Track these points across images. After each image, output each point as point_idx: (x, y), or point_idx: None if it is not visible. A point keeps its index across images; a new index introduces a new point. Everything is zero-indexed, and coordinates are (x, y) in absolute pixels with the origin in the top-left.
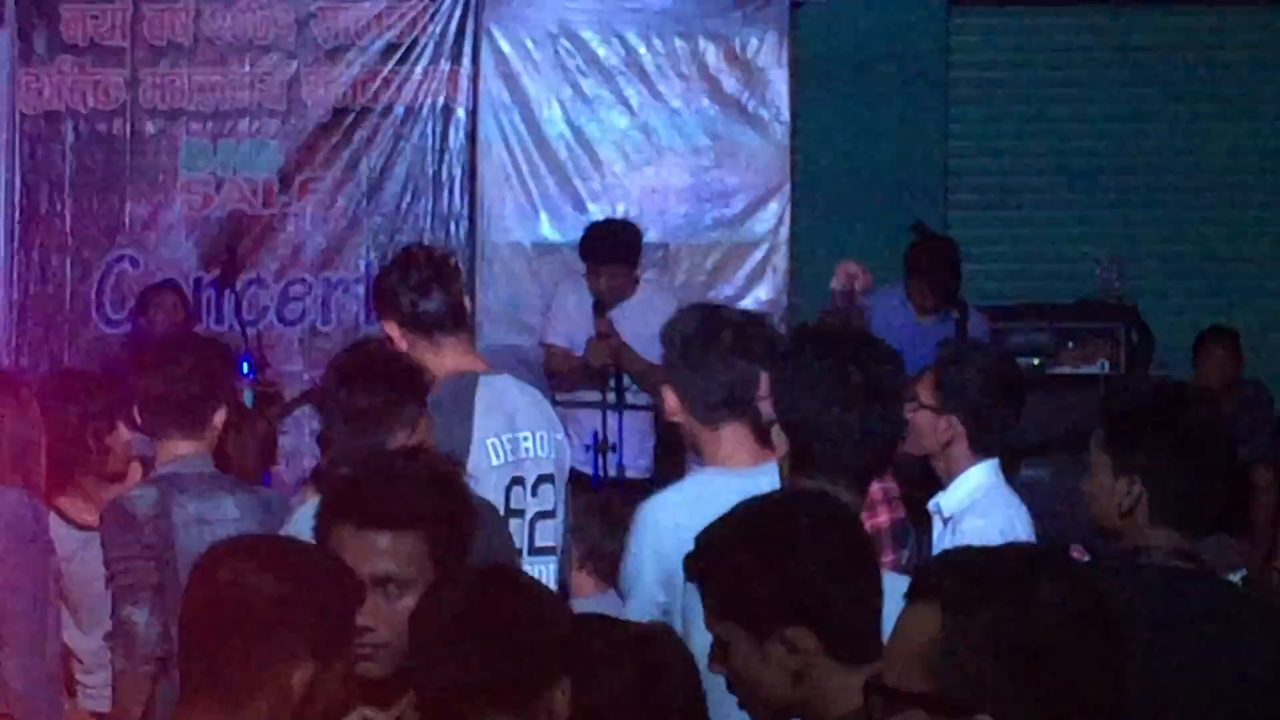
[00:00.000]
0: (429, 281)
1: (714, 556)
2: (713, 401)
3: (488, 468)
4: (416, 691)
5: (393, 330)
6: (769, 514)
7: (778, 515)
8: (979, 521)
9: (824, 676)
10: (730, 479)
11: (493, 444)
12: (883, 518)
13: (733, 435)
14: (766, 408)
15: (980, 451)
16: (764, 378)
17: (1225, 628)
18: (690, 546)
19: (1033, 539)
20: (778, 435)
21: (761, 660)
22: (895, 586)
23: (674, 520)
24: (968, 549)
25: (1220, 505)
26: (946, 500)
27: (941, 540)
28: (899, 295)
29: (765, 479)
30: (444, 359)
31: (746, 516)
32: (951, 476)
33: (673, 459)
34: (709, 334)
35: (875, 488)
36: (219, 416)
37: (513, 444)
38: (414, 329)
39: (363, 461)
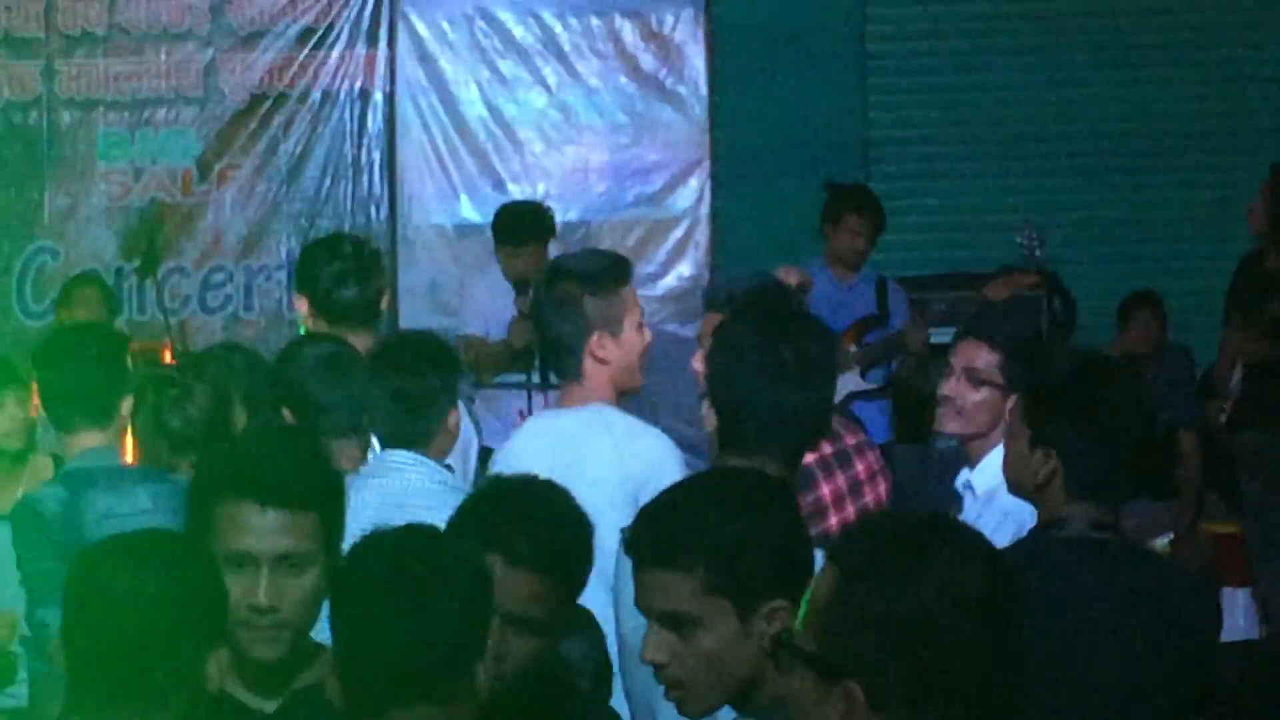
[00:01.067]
0: (348, 273)
1: (699, 533)
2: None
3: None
4: (340, 677)
5: (303, 308)
6: (743, 488)
7: (753, 489)
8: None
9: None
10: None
11: None
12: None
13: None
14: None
15: None
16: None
17: (1143, 597)
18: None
19: None
20: (706, 410)
21: (742, 636)
22: None
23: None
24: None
25: (1137, 476)
26: (980, 477)
27: (976, 517)
28: (815, 267)
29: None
30: None
31: (720, 491)
32: (981, 454)
33: None
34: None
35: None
36: (126, 405)
37: None
38: (323, 314)
39: (253, 438)
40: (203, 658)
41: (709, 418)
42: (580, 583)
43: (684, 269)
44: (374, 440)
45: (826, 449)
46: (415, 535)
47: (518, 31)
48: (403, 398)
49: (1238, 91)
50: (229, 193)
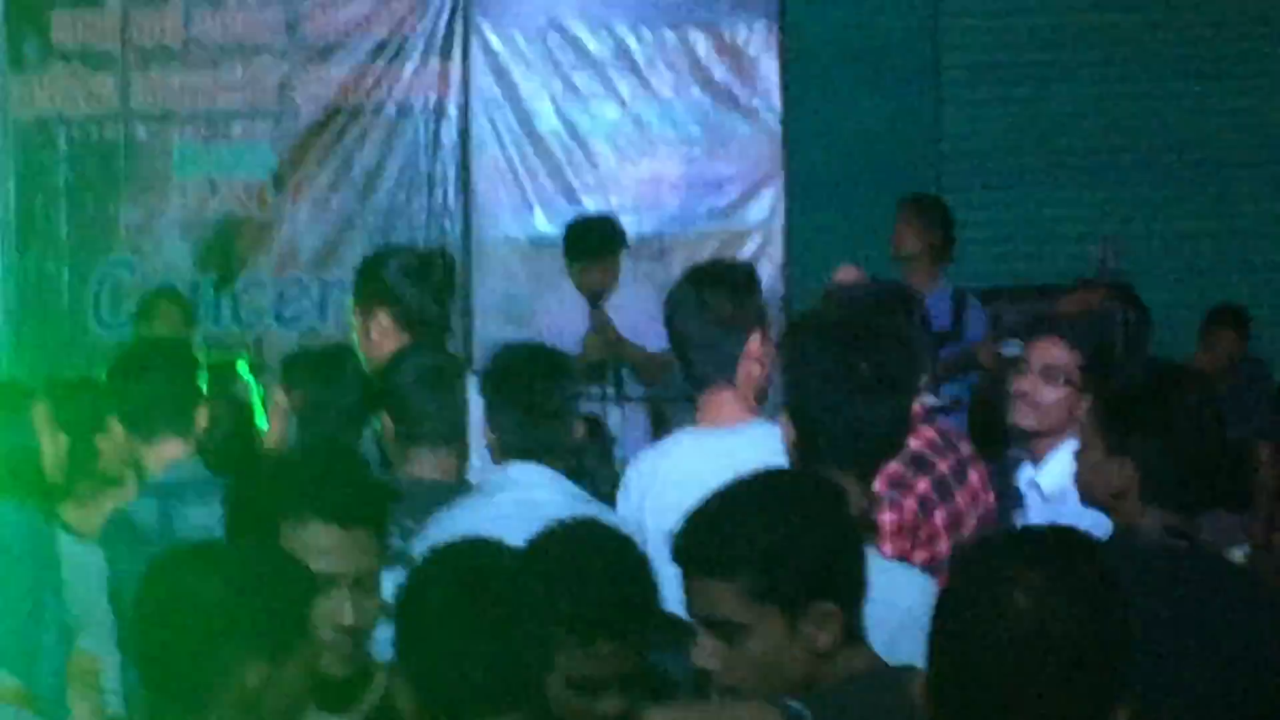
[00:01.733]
0: (441, 288)
1: (742, 541)
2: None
3: None
4: (414, 694)
5: (384, 321)
6: (787, 492)
7: (797, 493)
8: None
9: (839, 650)
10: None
11: None
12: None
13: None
14: (755, 369)
15: None
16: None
17: (1219, 604)
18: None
19: None
20: (785, 422)
21: (791, 641)
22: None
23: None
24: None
25: (1213, 485)
26: (1046, 477)
27: (1051, 518)
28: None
29: (744, 439)
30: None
31: (763, 497)
32: (1048, 452)
33: None
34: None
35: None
36: (202, 416)
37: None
38: (409, 328)
39: (317, 458)
40: (240, 669)
41: (787, 430)
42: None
43: None
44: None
45: (953, 457)
46: (483, 550)
47: (591, 44)
48: (531, 410)
49: None
50: (304, 206)
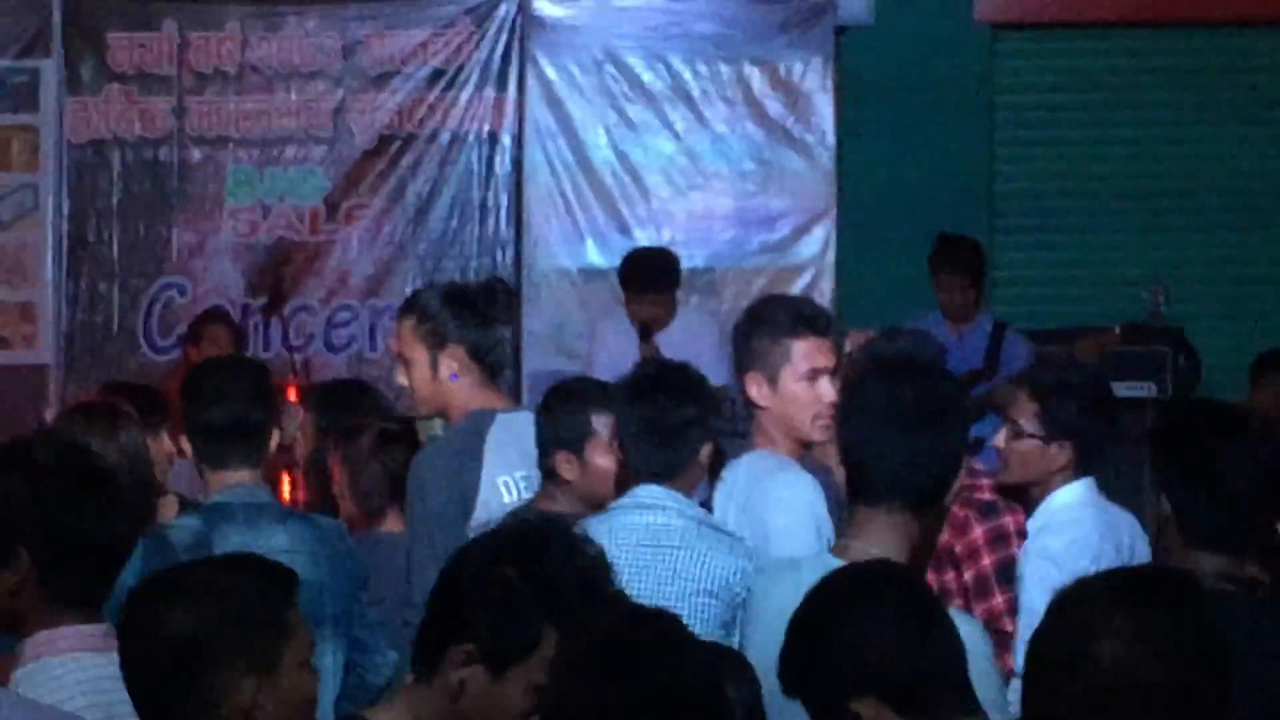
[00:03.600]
0: (500, 319)
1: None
2: None
3: (498, 506)
4: None
5: (458, 356)
6: (822, 594)
7: (830, 594)
8: (1051, 540)
9: None
10: None
11: (505, 482)
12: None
13: None
14: None
15: (1080, 473)
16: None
17: (1273, 650)
18: None
19: (1128, 556)
20: (838, 462)
21: None
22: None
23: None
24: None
25: (1254, 530)
26: (1032, 523)
27: (1021, 564)
28: (932, 319)
29: None
30: (476, 395)
31: (812, 601)
32: (1038, 501)
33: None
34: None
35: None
36: (274, 441)
37: (526, 482)
38: (482, 362)
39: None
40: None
41: (839, 469)
42: None
43: None
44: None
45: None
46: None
47: (646, 77)
48: (654, 428)
49: None
50: (356, 232)
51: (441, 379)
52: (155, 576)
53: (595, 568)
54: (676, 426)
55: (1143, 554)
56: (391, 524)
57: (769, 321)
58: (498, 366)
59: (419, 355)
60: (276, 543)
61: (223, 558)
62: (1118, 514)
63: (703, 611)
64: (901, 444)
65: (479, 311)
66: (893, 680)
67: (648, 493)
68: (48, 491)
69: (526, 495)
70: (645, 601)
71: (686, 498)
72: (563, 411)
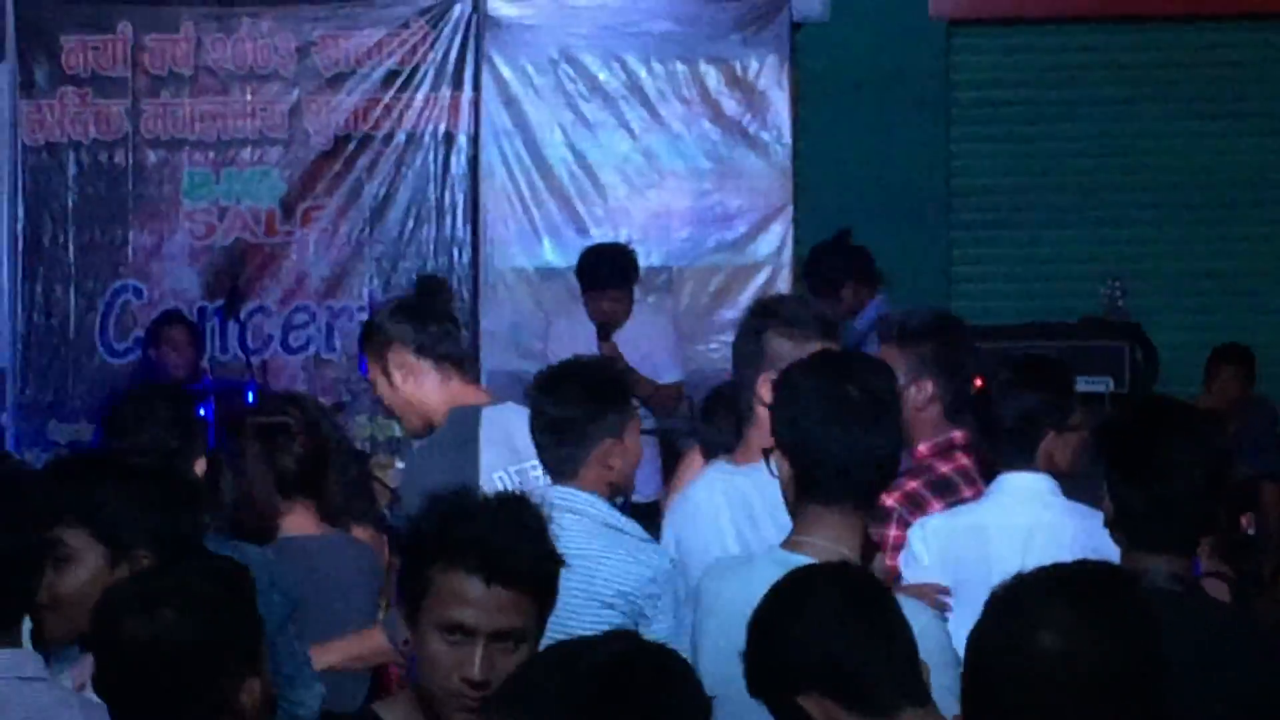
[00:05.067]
0: (451, 314)
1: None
2: None
3: None
4: None
5: (403, 357)
6: (774, 594)
7: (780, 593)
8: None
9: None
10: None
11: (500, 477)
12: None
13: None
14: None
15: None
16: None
17: (1218, 651)
18: None
19: None
20: (779, 460)
21: None
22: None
23: None
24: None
25: (1193, 529)
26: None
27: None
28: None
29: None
30: (449, 391)
31: (766, 600)
32: None
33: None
34: None
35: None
36: (200, 466)
37: (520, 475)
38: (429, 356)
39: (486, 509)
40: (236, 691)
41: (782, 467)
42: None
43: None
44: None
45: (983, 487)
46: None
47: (602, 76)
48: (552, 424)
49: None
50: (313, 233)
51: (399, 386)
52: (124, 586)
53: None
54: (572, 422)
55: None
56: (293, 525)
57: (791, 321)
58: (454, 359)
59: (377, 371)
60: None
61: (191, 564)
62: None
63: (598, 624)
64: (851, 442)
65: (411, 310)
66: (836, 675)
67: (559, 494)
68: None
69: (522, 489)
70: None
71: (597, 496)
72: None
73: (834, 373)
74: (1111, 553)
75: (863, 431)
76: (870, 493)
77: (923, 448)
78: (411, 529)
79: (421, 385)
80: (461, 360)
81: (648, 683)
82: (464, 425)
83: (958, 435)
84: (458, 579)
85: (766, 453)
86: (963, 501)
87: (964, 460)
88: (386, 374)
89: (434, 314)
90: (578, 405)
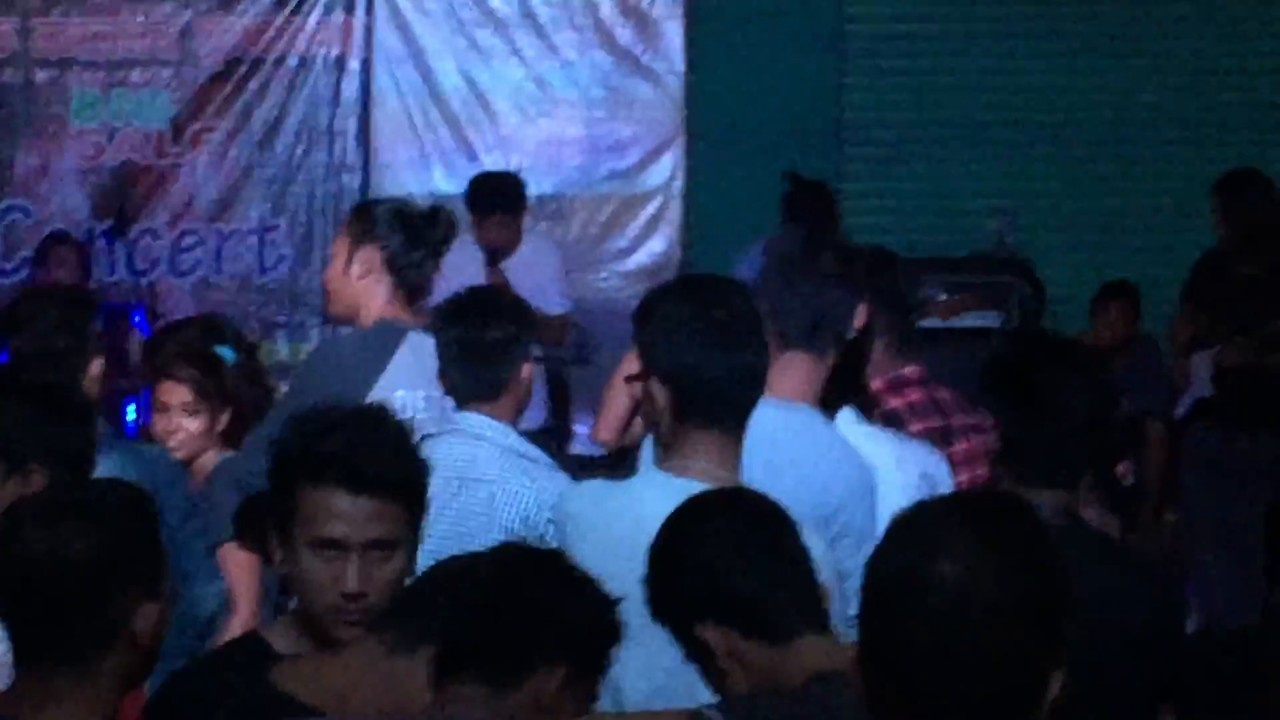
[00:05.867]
0: (439, 251)
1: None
2: None
3: None
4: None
5: (373, 258)
6: (673, 521)
7: (678, 521)
8: None
9: (758, 660)
10: None
11: (402, 396)
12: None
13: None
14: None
15: None
16: None
17: (1109, 587)
18: None
19: None
20: (656, 389)
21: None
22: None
23: None
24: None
25: (1077, 464)
26: None
27: None
28: (755, 251)
29: None
30: (389, 310)
31: (665, 528)
32: None
33: (564, 411)
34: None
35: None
36: (95, 368)
37: (428, 402)
38: (395, 274)
39: (344, 422)
40: (131, 613)
41: (658, 395)
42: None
43: (655, 245)
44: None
45: (935, 422)
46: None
47: (495, 2)
48: (473, 349)
49: (1214, 83)
50: (202, 156)
51: (351, 276)
52: (30, 501)
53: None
54: (495, 345)
55: None
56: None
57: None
58: (414, 288)
59: (340, 249)
60: (100, 472)
61: (98, 483)
62: None
63: None
64: (728, 362)
65: (410, 225)
66: (734, 605)
67: (468, 421)
68: None
69: (424, 415)
70: (446, 535)
71: (508, 424)
72: None
73: (700, 297)
74: None
75: (737, 351)
76: (746, 412)
77: (876, 382)
78: (275, 451)
79: (370, 291)
80: (419, 293)
81: (541, 584)
82: (383, 338)
83: (910, 370)
84: (324, 494)
85: (631, 380)
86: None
87: (914, 395)
88: (348, 259)
89: (425, 241)
90: (503, 328)
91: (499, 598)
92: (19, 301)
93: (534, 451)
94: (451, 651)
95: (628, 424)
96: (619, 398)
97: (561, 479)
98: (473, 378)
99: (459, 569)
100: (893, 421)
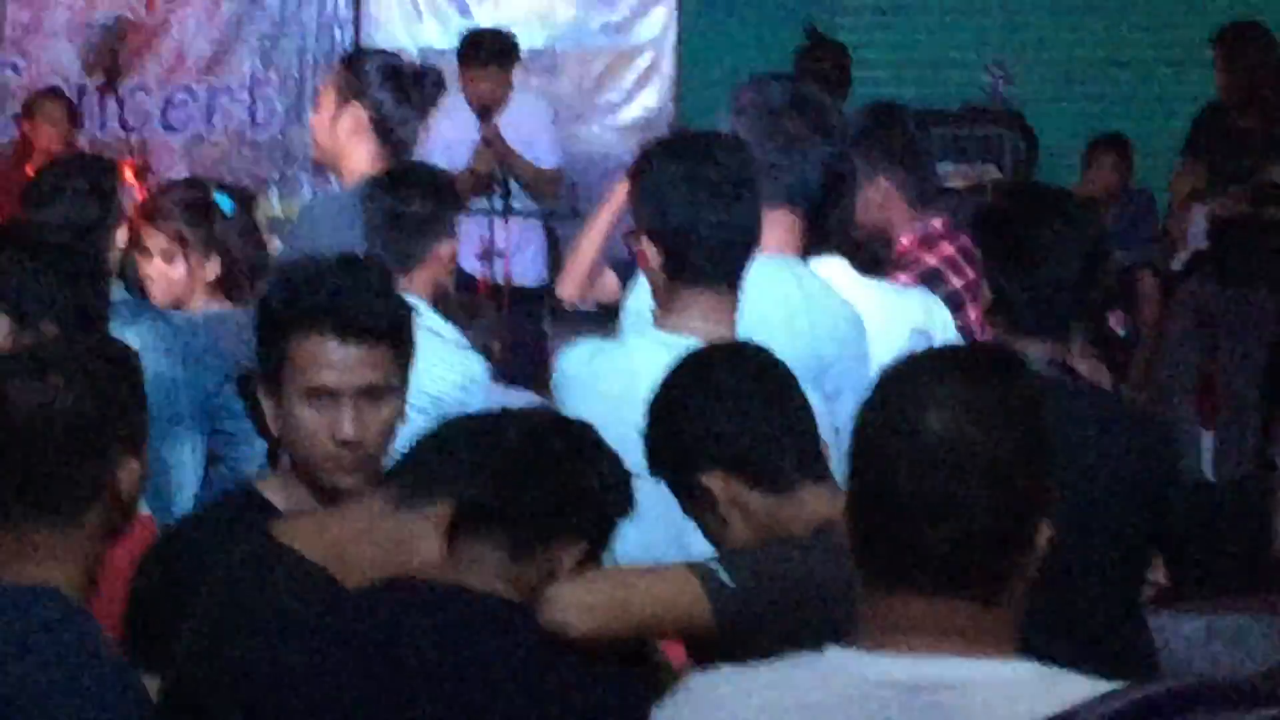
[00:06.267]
0: (427, 109)
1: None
2: None
3: None
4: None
5: (359, 115)
6: (675, 375)
7: (682, 374)
8: None
9: (761, 509)
10: None
11: None
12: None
13: None
14: None
15: None
16: None
17: (1102, 437)
18: None
19: None
20: (648, 248)
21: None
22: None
23: None
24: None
25: (1068, 315)
26: None
27: None
28: None
29: None
30: (373, 166)
31: (666, 382)
32: None
33: (556, 266)
34: None
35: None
36: (121, 236)
37: None
38: (380, 132)
39: (326, 271)
40: (115, 468)
41: (650, 254)
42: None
43: (648, 100)
44: None
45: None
46: None
47: None
48: (393, 220)
49: None
50: (192, 12)
51: (337, 132)
52: (16, 355)
53: None
54: (414, 218)
55: None
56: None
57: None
58: (397, 144)
59: (327, 100)
60: (128, 340)
61: (84, 340)
62: None
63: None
64: (721, 220)
65: (399, 83)
66: (739, 452)
67: None
68: None
69: None
70: None
71: (422, 298)
72: None
73: (692, 154)
74: None
75: (729, 208)
76: (740, 269)
77: (904, 240)
78: (261, 305)
79: (354, 146)
80: (404, 150)
81: (574, 455)
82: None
83: (937, 224)
84: (313, 343)
85: (628, 238)
86: (952, 292)
87: (948, 249)
88: (336, 113)
89: (412, 100)
90: (424, 204)
91: (531, 462)
92: (41, 174)
93: (446, 329)
94: (470, 512)
95: (593, 278)
96: (585, 251)
97: (474, 359)
98: (391, 249)
99: (478, 429)
100: (932, 280)
